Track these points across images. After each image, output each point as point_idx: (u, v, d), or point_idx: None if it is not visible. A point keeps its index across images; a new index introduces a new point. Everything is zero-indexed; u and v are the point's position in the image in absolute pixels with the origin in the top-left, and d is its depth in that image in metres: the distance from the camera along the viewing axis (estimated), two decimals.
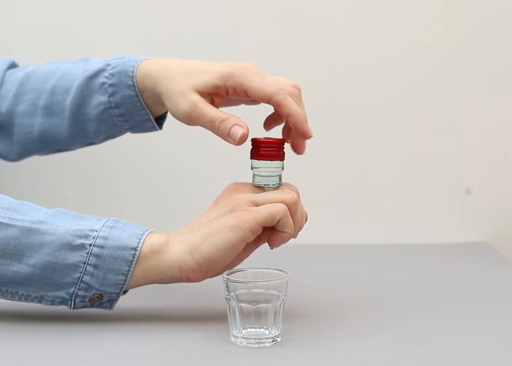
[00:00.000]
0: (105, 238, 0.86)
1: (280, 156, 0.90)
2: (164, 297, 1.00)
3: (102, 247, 0.85)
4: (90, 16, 1.41)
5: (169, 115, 1.07)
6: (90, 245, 0.85)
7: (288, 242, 0.89)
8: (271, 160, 0.89)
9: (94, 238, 0.85)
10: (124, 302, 0.93)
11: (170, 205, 1.44)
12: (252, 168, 0.90)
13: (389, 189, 1.44)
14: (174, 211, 1.43)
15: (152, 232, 0.89)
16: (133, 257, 0.86)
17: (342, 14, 1.41)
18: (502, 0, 1.41)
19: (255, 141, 0.90)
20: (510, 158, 1.43)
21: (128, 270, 0.86)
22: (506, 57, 1.42)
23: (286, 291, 0.83)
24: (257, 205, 0.86)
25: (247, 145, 0.92)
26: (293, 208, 0.87)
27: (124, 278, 0.86)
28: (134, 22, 1.41)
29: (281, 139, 0.91)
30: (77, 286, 0.86)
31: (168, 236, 0.88)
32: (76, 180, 1.44)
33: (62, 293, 0.86)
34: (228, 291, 0.83)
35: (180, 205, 1.43)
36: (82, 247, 0.85)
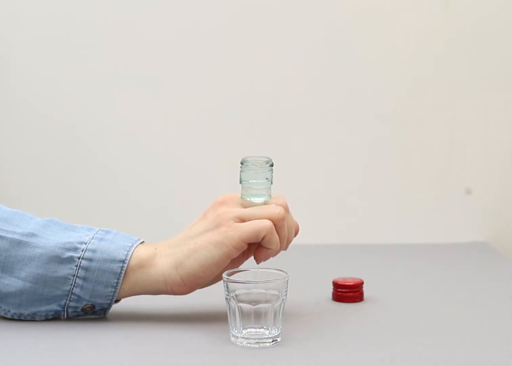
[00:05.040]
0: (94, 251, 0.86)
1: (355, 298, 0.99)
2: (164, 297, 0.99)
3: (90, 259, 0.86)
4: (90, 17, 1.42)
5: None
6: (79, 258, 0.86)
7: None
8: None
9: (82, 250, 0.86)
10: (124, 302, 0.93)
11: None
12: (240, 182, 0.89)
13: (389, 189, 1.44)
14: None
15: (142, 242, 0.89)
16: (121, 270, 0.86)
17: (341, 14, 1.41)
18: (502, 0, 1.41)
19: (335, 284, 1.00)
20: (510, 159, 1.43)
21: (117, 282, 0.87)
22: (506, 57, 1.42)
23: (286, 291, 0.83)
24: (244, 220, 0.86)
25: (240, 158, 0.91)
26: (279, 224, 0.86)
27: (113, 289, 0.87)
28: (135, 23, 1.41)
29: (358, 281, 1.00)
30: (68, 298, 0.87)
31: (155, 248, 0.88)
32: (73, 188, 1.45)
33: (54, 306, 0.87)
34: (228, 291, 0.82)
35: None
36: (71, 259, 0.86)
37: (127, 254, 0.87)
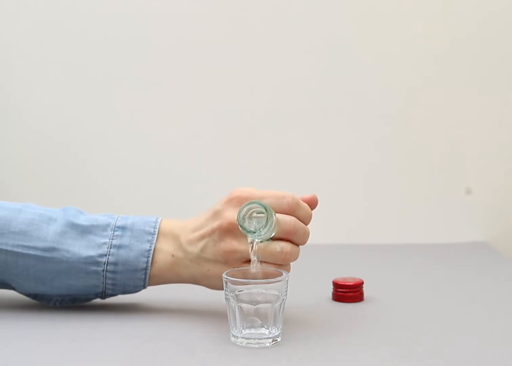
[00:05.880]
0: (115, 264, 0.90)
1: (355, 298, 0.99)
2: (164, 297, 1.00)
3: (114, 272, 0.91)
4: (90, 17, 1.42)
5: None
6: (103, 270, 0.91)
7: None
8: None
9: (104, 263, 0.90)
10: (124, 302, 0.94)
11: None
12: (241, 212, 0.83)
13: (389, 189, 1.44)
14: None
15: (159, 227, 0.92)
16: (145, 275, 0.91)
17: (342, 14, 1.41)
18: (502, 1, 1.41)
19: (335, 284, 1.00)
20: (510, 158, 1.43)
21: (144, 283, 0.92)
22: (506, 57, 1.42)
23: (286, 291, 0.83)
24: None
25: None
26: (285, 264, 0.87)
27: (142, 287, 0.93)
28: (135, 24, 1.42)
29: (358, 281, 1.00)
30: (103, 294, 0.93)
31: (172, 255, 0.91)
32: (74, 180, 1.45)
33: (91, 296, 0.94)
34: (228, 291, 0.82)
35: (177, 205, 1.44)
36: (96, 272, 0.91)
37: (147, 261, 0.91)
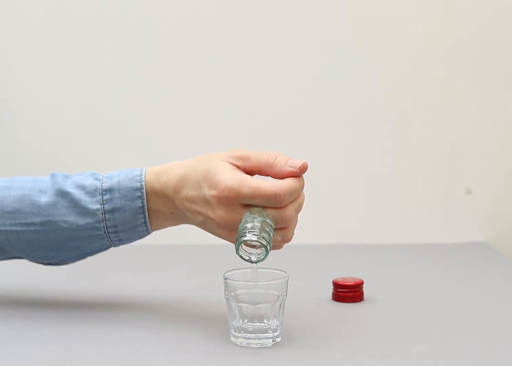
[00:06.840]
0: (114, 226, 0.91)
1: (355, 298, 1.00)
2: (164, 296, 1.00)
3: (116, 232, 0.91)
4: (91, 18, 1.42)
5: None
6: (105, 232, 0.91)
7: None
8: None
9: (104, 227, 0.91)
10: (124, 302, 0.95)
11: None
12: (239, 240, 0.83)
13: (389, 189, 1.44)
14: None
15: (148, 193, 0.91)
16: (146, 227, 0.92)
17: (342, 15, 1.41)
18: (502, 0, 1.41)
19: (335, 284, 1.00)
20: (510, 159, 1.43)
21: (148, 232, 0.92)
22: (505, 57, 1.42)
23: (286, 291, 0.83)
24: None
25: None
26: None
27: (147, 235, 0.93)
28: (135, 24, 1.42)
29: (358, 281, 1.00)
30: (111, 245, 0.93)
31: (172, 213, 0.91)
32: None
33: (102, 250, 0.94)
34: (228, 291, 0.83)
35: None
36: (99, 235, 0.91)
37: (144, 215, 0.91)
